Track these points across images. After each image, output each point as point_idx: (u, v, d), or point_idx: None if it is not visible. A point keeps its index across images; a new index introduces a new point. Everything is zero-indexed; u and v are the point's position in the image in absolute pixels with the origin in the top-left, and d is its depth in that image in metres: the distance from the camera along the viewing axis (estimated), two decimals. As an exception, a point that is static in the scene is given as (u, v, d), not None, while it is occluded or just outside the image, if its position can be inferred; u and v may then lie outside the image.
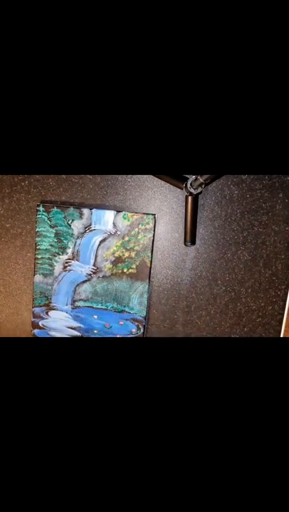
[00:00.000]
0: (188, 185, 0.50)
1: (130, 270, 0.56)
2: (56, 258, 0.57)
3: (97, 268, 0.57)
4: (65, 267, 0.57)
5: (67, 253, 0.57)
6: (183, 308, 0.59)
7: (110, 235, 0.56)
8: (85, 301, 0.58)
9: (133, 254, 0.56)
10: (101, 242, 0.56)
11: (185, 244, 0.57)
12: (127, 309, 0.57)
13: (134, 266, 0.56)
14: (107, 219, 0.55)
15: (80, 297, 0.58)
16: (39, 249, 0.57)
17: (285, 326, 0.58)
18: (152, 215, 0.55)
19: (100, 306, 0.58)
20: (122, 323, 0.58)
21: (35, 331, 0.59)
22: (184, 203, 0.56)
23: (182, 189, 0.54)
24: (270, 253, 0.57)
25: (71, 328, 0.58)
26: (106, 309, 0.58)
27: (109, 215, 0.55)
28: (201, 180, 0.47)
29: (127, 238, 0.56)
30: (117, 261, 0.56)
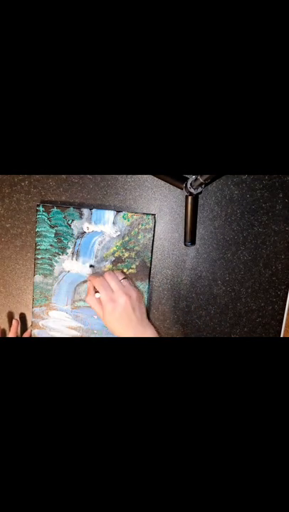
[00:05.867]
0: (188, 185, 0.50)
1: (130, 270, 0.56)
2: (56, 258, 0.57)
3: (97, 268, 0.57)
4: (65, 267, 0.57)
5: (67, 253, 0.57)
6: (183, 308, 0.59)
7: (110, 235, 0.56)
8: (85, 301, 0.57)
9: (133, 254, 0.56)
10: (101, 242, 0.56)
11: (185, 244, 0.57)
12: (127, 309, 0.57)
13: (134, 266, 0.56)
14: (107, 219, 0.55)
15: (80, 297, 0.58)
16: (39, 249, 0.56)
17: (285, 326, 0.58)
18: (152, 215, 0.55)
19: (100, 306, 0.57)
20: (122, 323, 0.58)
21: (35, 331, 0.59)
22: (184, 203, 0.56)
23: (182, 189, 0.54)
24: (270, 253, 0.57)
25: (71, 328, 0.58)
26: (106, 309, 0.58)
27: (109, 215, 0.55)
28: (201, 180, 0.47)
29: (127, 238, 0.56)
30: (117, 261, 0.56)
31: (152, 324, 0.50)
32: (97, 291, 0.51)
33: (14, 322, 0.58)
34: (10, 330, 0.58)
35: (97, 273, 0.51)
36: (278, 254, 0.57)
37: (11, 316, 0.61)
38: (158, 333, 0.51)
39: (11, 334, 0.57)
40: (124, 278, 0.51)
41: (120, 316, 0.48)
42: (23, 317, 0.61)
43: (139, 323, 0.49)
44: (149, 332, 0.49)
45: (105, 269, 0.57)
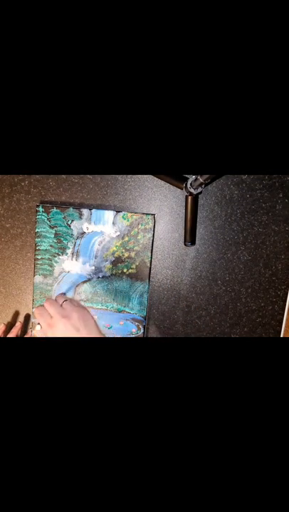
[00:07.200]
0: (188, 185, 0.50)
1: (130, 270, 0.56)
2: (56, 258, 0.57)
3: (97, 268, 0.57)
4: (64, 268, 0.57)
5: (66, 253, 0.56)
6: (183, 308, 0.59)
7: (110, 235, 0.56)
8: (85, 301, 0.57)
9: (133, 254, 0.56)
10: (101, 242, 0.56)
11: (185, 244, 0.57)
12: (127, 309, 0.57)
13: (134, 266, 0.56)
14: (106, 219, 0.55)
15: (80, 297, 0.57)
16: (39, 249, 0.56)
17: (285, 326, 0.58)
18: (152, 215, 0.55)
19: (100, 307, 0.57)
20: (122, 323, 0.58)
21: (35, 332, 0.59)
22: (184, 203, 0.56)
23: (182, 189, 0.54)
24: (270, 253, 0.57)
25: (71, 328, 0.58)
26: (106, 309, 0.58)
27: (108, 215, 0.55)
28: (201, 180, 0.47)
29: (126, 238, 0.56)
30: (117, 261, 0.56)
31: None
32: (39, 323, 0.50)
33: (18, 324, 0.58)
34: (11, 330, 0.58)
35: (40, 305, 0.51)
36: (278, 254, 0.57)
37: (14, 316, 0.61)
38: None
39: (11, 334, 0.57)
40: (65, 301, 0.51)
41: None
42: (25, 319, 0.61)
43: None
44: None
45: (105, 269, 0.57)
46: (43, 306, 0.51)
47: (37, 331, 0.50)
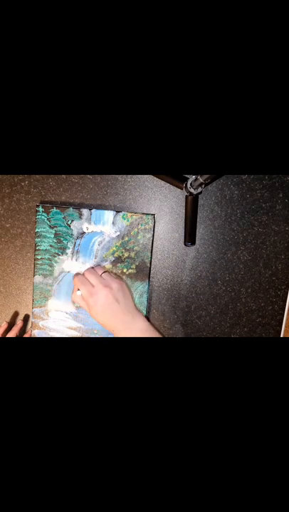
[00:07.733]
0: (188, 185, 0.50)
1: (130, 270, 0.56)
2: (56, 259, 0.57)
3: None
4: (64, 268, 0.57)
5: (66, 253, 0.56)
6: (183, 308, 0.59)
7: (110, 235, 0.56)
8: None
9: (133, 254, 0.56)
10: (100, 242, 0.56)
11: (185, 245, 0.57)
12: (127, 309, 0.57)
13: (133, 266, 0.56)
14: (106, 219, 0.55)
15: (80, 297, 0.57)
16: (39, 249, 0.56)
17: (285, 326, 0.58)
18: (152, 215, 0.55)
19: (99, 307, 0.57)
20: (122, 323, 0.58)
21: (35, 332, 0.59)
22: (184, 203, 0.56)
23: (182, 189, 0.54)
24: (270, 253, 0.57)
25: (71, 328, 0.58)
26: (106, 309, 0.57)
27: (108, 215, 0.55)
28: (201, 180, 0.47)
29: (126, 238, 0.56)
30: (117, 261, 0.56)
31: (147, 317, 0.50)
32: (78, 289, 0.52)
33: (19, 323, 0.58)
34: (12, 329, 0.58)
35: (78, 272, 0.52)
36: (278, 254, 0.57)
37: (14, 316, 0.61)
38: (149, 321, 0.52)
39: (11, 334, 0.57)
40: (104, 272, 0.53)
41: (103, 309, 0.49)
42: (25, 319, 0.61)
43: (125, 313, 0.49)
44: (138, 321, 0.50)
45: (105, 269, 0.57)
46: (82, 274, 0.52)
47: (77, 296, 0.52)
